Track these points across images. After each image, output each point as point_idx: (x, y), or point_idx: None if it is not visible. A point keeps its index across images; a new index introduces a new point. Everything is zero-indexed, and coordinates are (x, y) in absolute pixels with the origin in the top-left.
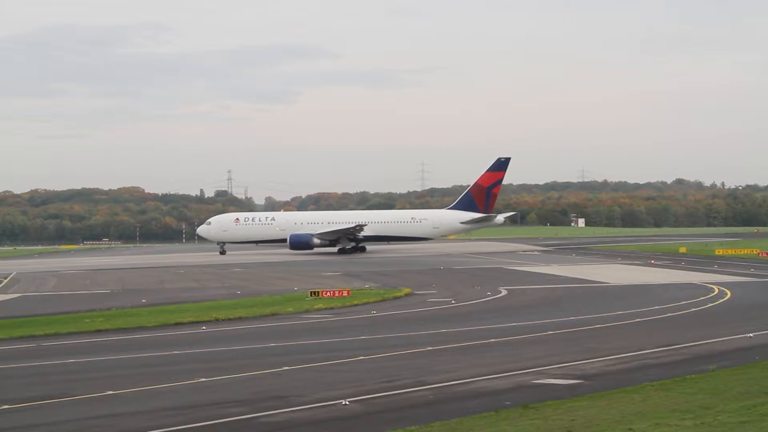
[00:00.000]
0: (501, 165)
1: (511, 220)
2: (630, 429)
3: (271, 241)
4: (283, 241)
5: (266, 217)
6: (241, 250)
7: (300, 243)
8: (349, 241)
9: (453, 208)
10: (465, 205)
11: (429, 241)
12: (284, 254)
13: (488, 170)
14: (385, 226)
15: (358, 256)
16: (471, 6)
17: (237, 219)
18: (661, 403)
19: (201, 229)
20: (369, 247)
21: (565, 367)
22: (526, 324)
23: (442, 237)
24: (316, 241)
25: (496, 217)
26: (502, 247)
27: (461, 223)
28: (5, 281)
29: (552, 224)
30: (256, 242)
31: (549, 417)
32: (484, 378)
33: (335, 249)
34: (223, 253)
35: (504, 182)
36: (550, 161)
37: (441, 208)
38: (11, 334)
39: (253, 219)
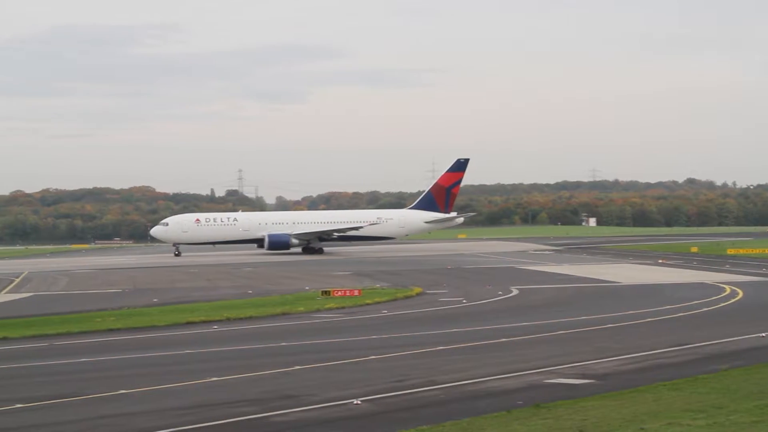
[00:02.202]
0: (460, 166)
1: (522, 220)
2: (642, 429)
3: (232, 242)
4: (246, 242)
5: (228, 218)
6: (198, 251)
7: (279, 243)
8: (320, 241)
9: (414, 207)
10: (426, 204)
11: (393, 240)
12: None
13: (448, 171)
14: (346, 227)
15: (369, 256)
16: (479, 6)
17: (198, 219)
18: (673, 402)
19: (156, 230)
20: (334, 248)
21: (576, 366)
22: (537, 323)
23: (407, 236)
24: (294, 241)
25: (457, 217)
26: (513, 246)
27: (425, 222)
28: (17, 281)
29: (563, 224)
30: (213, 243)
31: (561, 417)
32: (496, 377)
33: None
34: (178, 254)
35: (515, 181)
36: (560, 161)
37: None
38: (23, 333)
39: (215, 219)
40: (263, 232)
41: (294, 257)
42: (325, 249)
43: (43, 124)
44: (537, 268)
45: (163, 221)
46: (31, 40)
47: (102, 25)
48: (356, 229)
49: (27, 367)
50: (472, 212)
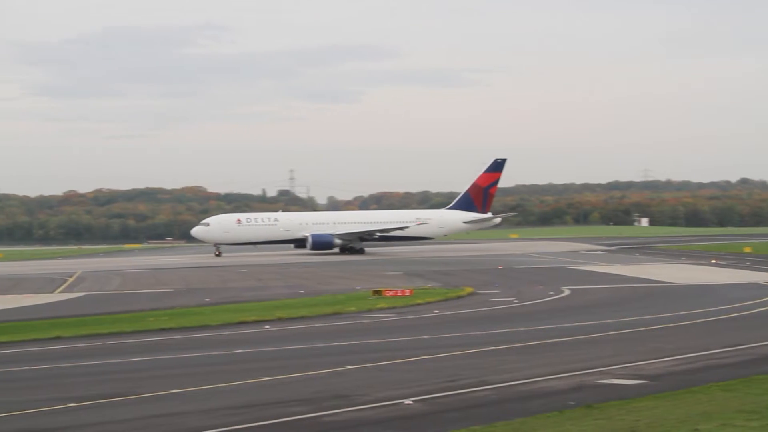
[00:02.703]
0: (497, 166)
1: (574, 219)
2: (695, 429)
3: (272, 242)
4: (286, 242)
5: (269, 218)
6: (238, 251)
7: (322, 243)
8: (360, 241)
9: (452, 208)
10: (464, 205)
11: (431, 240)
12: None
13: (486, 171)
14: (386, 227)
15: (418, 256)
16: (529, 5)
17: (239, 220)
18: (727, 403)
19: (197, 231)
20: (375, 249)
21: (629, 367)
22: (590, 324)
23: (445, 237)
24: (338, 241)
25: (494, 217)
26: (565, 246)
27: (464, 222)
28: (70, 280)
29: (615, 224)
30: (254, 244)
31: (613, 417)
32: (548, 378)
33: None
34: (218, 255)
35: (566, 181)
36: (612, 160)
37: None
38: (77, 332)
39: (255, 219)
40: (304, 233)
41: (343, 257)
42: (366, 249)
43: (96, 125)
44: (589, 269)
45: (203, 221)
46: (85, 41)
47: (155, 26)
48: (401, 229)
49: (80, 366)
50: (513, 212)
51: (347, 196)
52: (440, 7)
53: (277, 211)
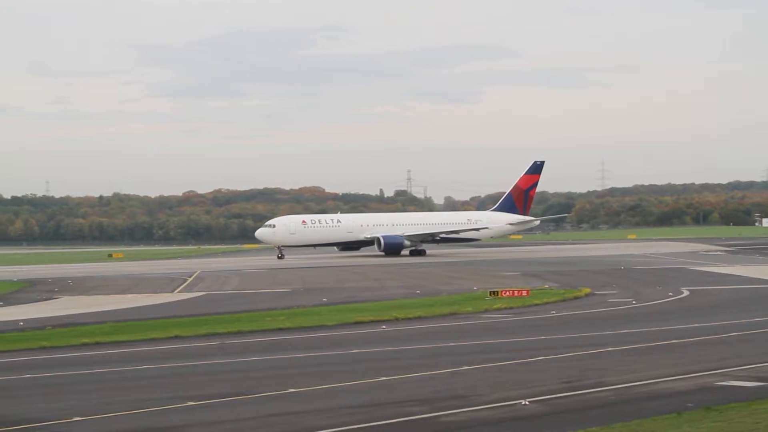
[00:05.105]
0: (537, 168)
1: (693, 220)
2: None
3: (334, 244)
4: (347, 243)
5: (332, 219)
6: (299, 253)
7: (394, 246)
8: (422, 243)
9: (497, 209)
10: (507, 206)
11: (478, 242)
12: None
13: (526, 173)
14: (443, 228)
15: (535, 256)
16: (651, 5)
17: (304, 221)
18: None
19: (263, 233)
20: (436, 251)
21: (749, 369)
22: (709, 325)
23: (491, 239)
24: (407, 243)
25: (534, 219)
26: (683, 247)
27: (509, 224)
28: (190, 279)
29: (735, 224)
30: (314, 246)
31: (732, 419)
32: (666, 379)
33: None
34: (281, 257)
35: (686, 181)
36: (732, 160)
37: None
38: (196, 331)
39: (320, 221)
40: (365, 234)
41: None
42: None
43: (216, 126)
44: (708, 269)
45: (268, 223)
46: (210, 43)
47: (276, 27)
48: (477, 230)
49: (198, 365)
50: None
51: (464, 197)
52: (559, 8)
53: (395, 211)
